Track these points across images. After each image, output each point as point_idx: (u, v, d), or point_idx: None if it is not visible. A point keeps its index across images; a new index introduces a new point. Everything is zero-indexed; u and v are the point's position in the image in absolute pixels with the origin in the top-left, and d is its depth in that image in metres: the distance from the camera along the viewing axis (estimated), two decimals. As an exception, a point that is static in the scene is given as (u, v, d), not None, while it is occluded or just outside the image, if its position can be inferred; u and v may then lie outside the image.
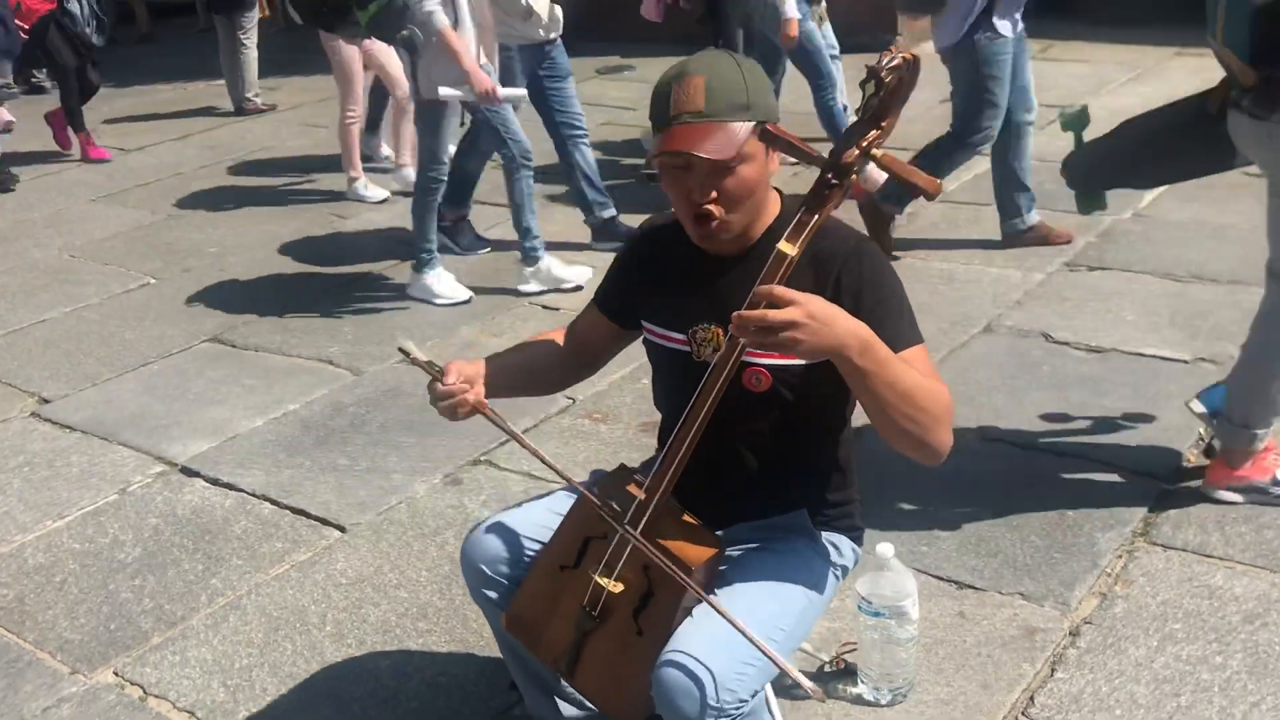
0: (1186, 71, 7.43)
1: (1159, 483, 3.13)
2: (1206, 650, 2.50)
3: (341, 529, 3.22)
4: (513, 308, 4.68)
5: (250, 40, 8.32)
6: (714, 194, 1.82)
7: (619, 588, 1.87)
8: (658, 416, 3.60)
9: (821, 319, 1.64)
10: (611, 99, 7.89)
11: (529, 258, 4.77)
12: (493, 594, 2.06)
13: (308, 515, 3.30)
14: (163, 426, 3.89)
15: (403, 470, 3.51)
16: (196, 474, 3.57)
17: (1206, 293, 4.28)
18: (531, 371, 2.19)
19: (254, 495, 3.43)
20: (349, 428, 3.79)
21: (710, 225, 1.85)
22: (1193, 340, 3.90)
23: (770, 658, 1.73)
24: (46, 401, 4.14)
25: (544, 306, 4.67)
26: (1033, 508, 3.06)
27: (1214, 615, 2.61)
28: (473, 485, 3.39)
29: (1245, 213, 4.84)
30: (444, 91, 4.42)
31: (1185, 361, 3.76)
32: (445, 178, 4.74)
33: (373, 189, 6.26)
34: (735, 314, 1.65)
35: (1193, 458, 3.24)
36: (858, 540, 2.13)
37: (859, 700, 2.43)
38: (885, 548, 2.33)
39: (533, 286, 4.78)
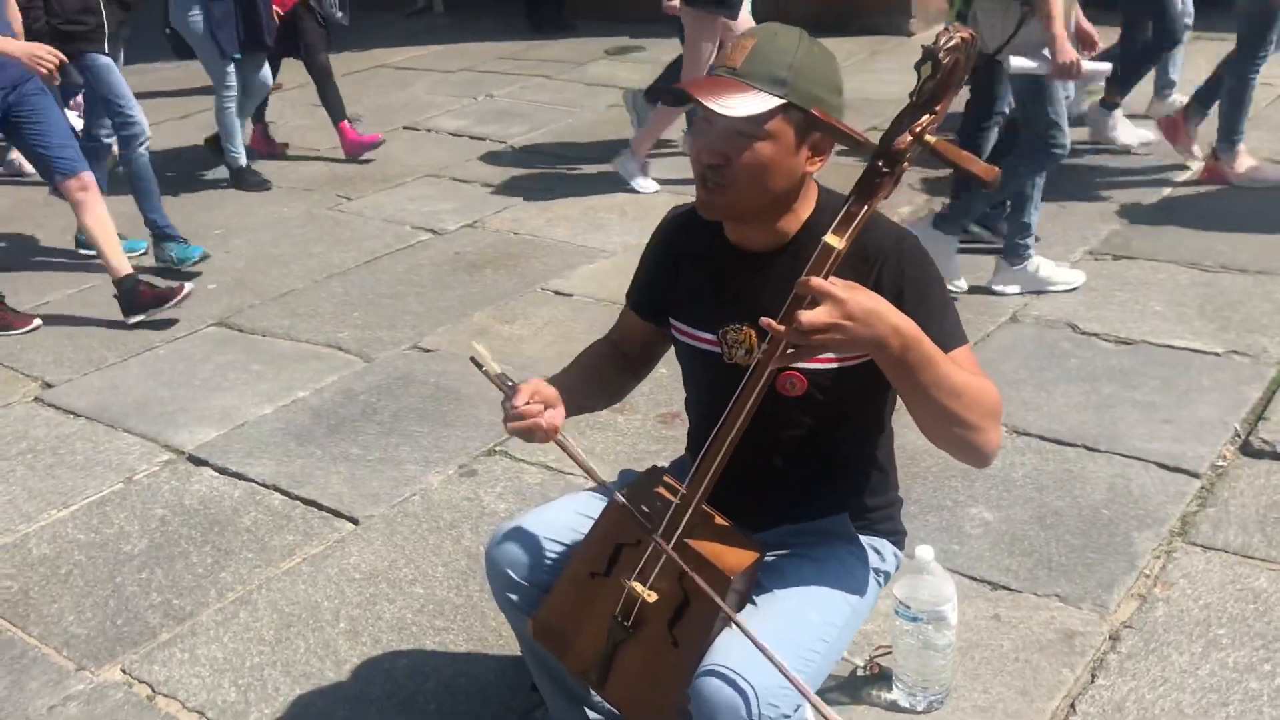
0: (1204, 56, 7.29)
1: (1195, 479, 3.04)
2: (1254, 657, 2.42)
3: (354, 521, 3.14)
4: (524, 294, 4.58)
5: None
6: (721, 161, 1.72)
7: (653, 597, 1.78)
8: (676, 407, 3.56)
9: (861, 318, 1.54)
10: (621, 80, 7.76)
11: (1017, 255, 4.18)
12: (518, 599, 1.98)
13: (319, 507, 3.21)
14: (169, 413, 3.80)
15: (416, 461, 3.42)
16: (204, 463, 3.48)
17: (1235, 283, 4.18)
18: (598, 385, 2.07)
19: (264, 485, 3.34)
20: (360, 416, 3.70)
21: (709, 193, 1.76)
22: (1224, 332, 3.80)
23: (800, 690, 1.64)
24: (50, 386, 4.05)
25: (556, 293, 4.57)
26: (1066, 505, 2.98)
27: (1259, 620, 2.52)
28: (488, 476, 3.31)
29: (1274, 201, 4.75)
30: (1016, 63, 3.94)
31: (1217, 354, 3.67)
32: (1063, 147, 4.06)
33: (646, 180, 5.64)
34: (763, 320, 1.56)
35: (1229, 454, 3.15)
36: (899, 544, 2.04)
37: (894, 707, 2.35)
38: (925, 550, 2.25)
39: (1012, 289, 4.19)
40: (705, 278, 1.88)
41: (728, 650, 1.71)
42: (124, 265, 4.47)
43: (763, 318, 1.56)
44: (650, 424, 3.52)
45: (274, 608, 2.81)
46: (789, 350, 1.58)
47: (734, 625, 1.71)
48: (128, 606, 2.85)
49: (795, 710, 1.72)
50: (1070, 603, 2.62)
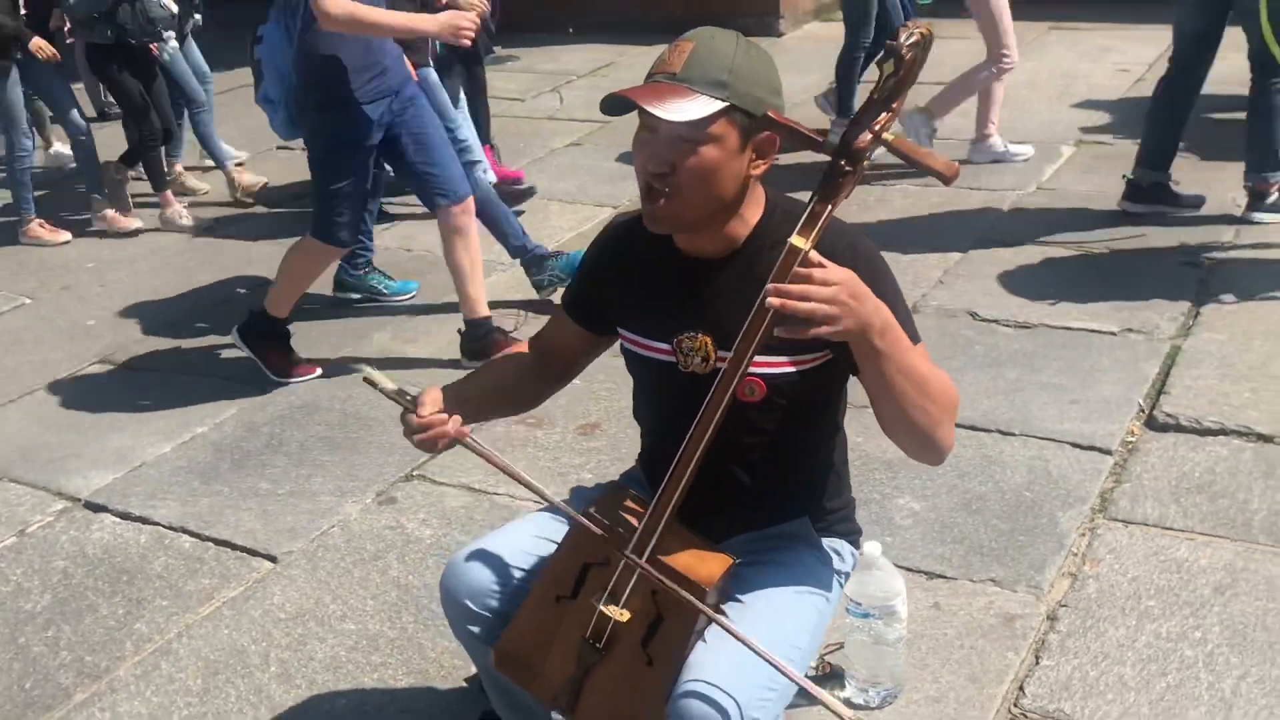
0: (1064, 45, 7.60)
1: (1108, 456, 3.13)
2: (1184, 626, 2.49)
3: (272, 559, 3.01)
4: (424, 312, 4.48)
5: None
6: (668, 169, 1.69)
7: (626, 616, 1.74)
8: (595, 418, 3.53)
9: (859, 297, 1.56)
10: (497, 89, 7.66)
11: None
12: (478, 629, 1.91)
13: (233, 546, 3.08)
14: (58, 459, 3.60)
15: (330, 491, 3.30)
16: (103, 508, 3.30)
17: (1120, 262, 4.33)
18: (504, 391, 2.05)
19: (171, 528, 3.18)
20: (266, 449, 3.56)
21: (656, 203, 1.72)
22: (1117, 311, 3.93)
23: (796, 681, 1.64)
24: (-78, 439, 3.80)
25: (457, 310, 4.47)
26: (989, 490, 3.03)
27: (1185, 589, 2.61)
28: (408, 503, 3.21)
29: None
30: None
31: (1114, 333, 3.79)
32: None
33: (1017, 145, 5.50)
34: (773, 285, 1.53)
35: (1136, 429, 3.26)
36: (855, 543, 2.05)
37: (848, 704, 2.35)
38: (872, 546, 2.25)
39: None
40: (656, 287, 1.85)
41: (703, 664, 1.68)
42: (484, 305, 3.91)
43: (772, 285, 1.53)
44: (571, 437, 3.47)
45: (197, 656, 2.67)
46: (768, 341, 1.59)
47: (718, 629, 1.69)
48: (35, 668, 2.68)
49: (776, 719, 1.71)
50: (1006, 586, 2.67)
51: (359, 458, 3.47)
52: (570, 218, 5.28)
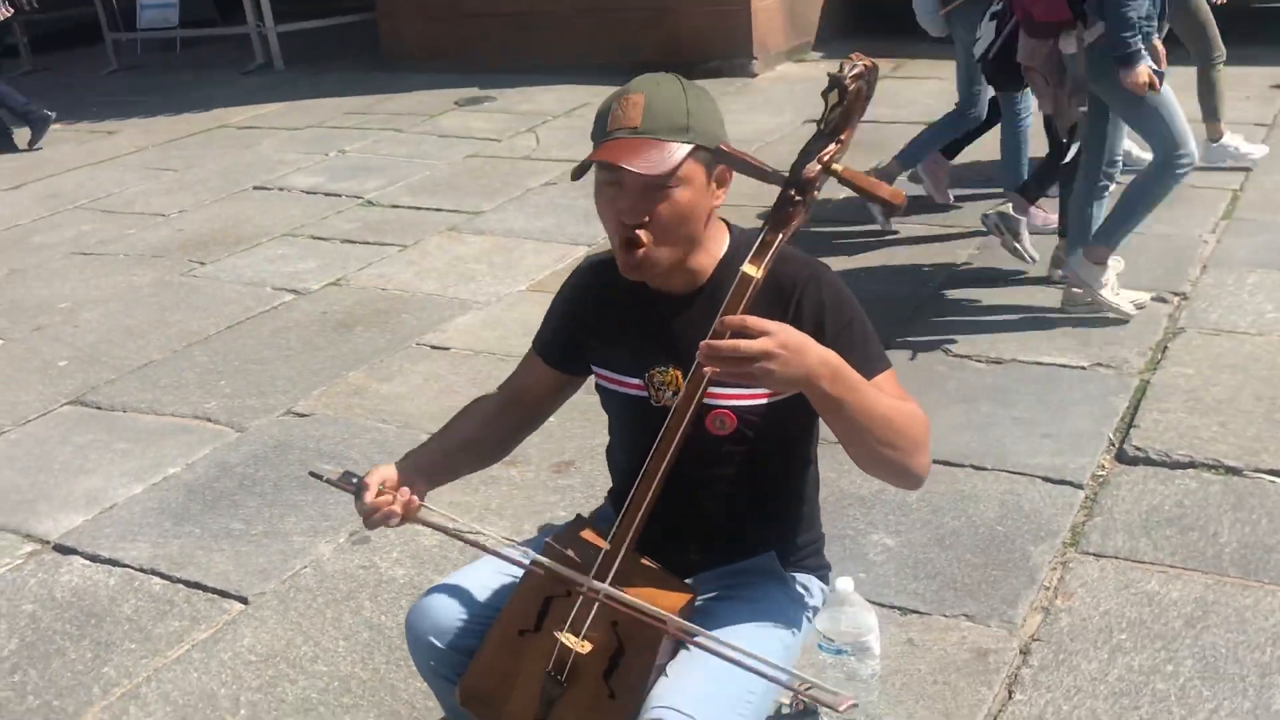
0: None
1: (1079, 490, 3.15)
2: (1156, 659, 2.50)
3: (244, 600, 2.99)
4: (399, 350, 4.48)
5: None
6: (645, 218, 1.72)
7: (587, 648, 1.74)
8: (569, 456, 3.53)
9: (794, 349, 1.56)
10: (476, 130, 7.73)
11: None
12: (444, 667, 1.90)
13: (204, 588, 3.05)
14: (28, 501, 3.57)
15: (303, 532, 3.29)
16: (73, 551, 3.28)
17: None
18: (469, 446, 2.03)
19: (141, 570, 3.15)
20: (239, 489, 3.54)
21: (636, 253, 1.74)
22: (1085, 346, 3.96)
23: (778, 679, 1.65)
24: (-110, 482, 3.77)
25: (432, 347, 4.49)
26: (961, 525, 3.04)
27: (1157, 622, 2.61)
28: (382, 542, 3.20)
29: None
30: None
31: (1083, 368, 3.82)
32: None
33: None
34: (704, 343, 1.55)
35: (1106, 463, 3.28)
36: (825, 579, 2.05)
37: (822, 742, 2.34)
38: (845, 582, 2.23)
39: None
40: (628, 323, 1.87)
41: (670, 694, 1.68)
42: None
43: (702, 342, 1.55)
44: (544, 475, 3.47)
45: (166, 699, 2.64)
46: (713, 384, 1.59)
47: (678, 659, 1.70)
48: (2, 714, 2.65)
49: (747, 744, 1.70)
50: (979, 621, 2.67)
51: (332, 497, 3.44)
52: (545, 255, 5.31)
